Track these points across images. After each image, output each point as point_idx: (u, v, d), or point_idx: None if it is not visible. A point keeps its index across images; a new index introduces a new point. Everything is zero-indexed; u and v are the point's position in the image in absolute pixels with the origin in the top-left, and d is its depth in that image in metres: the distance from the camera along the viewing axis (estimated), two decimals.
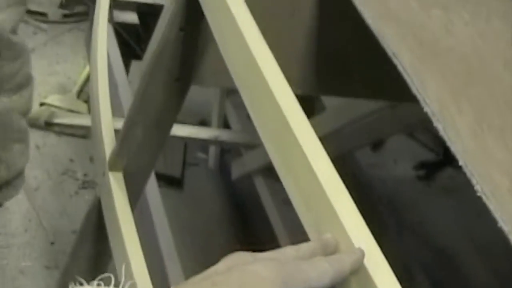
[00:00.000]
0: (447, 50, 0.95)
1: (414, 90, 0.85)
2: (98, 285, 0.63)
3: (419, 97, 0.84)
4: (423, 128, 3.23)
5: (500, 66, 0.96)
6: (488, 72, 0.95)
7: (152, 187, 2.18)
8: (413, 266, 2.19)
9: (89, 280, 0.71)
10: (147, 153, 1.18)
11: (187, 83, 1.12)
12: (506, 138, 0.83)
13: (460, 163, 0.77)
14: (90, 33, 1.96)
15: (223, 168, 2.83)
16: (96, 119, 1.34)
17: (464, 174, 0.76)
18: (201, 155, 2.95)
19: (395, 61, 0.89)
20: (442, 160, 3.18)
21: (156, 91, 1.11)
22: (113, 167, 1.18)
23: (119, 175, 1.18)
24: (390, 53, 0.90)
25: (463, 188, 3.02)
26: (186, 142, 2.89)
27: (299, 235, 0.76)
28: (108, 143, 1.26)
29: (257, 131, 0.82)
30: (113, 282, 0.66)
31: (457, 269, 2.73)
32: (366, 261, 0.65)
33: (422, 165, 3.17)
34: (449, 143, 0.78)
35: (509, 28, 1.06)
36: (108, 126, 1.31)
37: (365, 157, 3.11)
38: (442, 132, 0.80)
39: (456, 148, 0.78)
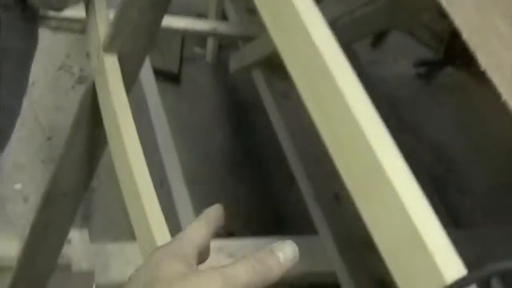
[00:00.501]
0: None
1: None
2: None
3: None
4: (423, 26, 3.19)
5: None
6: None
7: (149, 82, 2.16)
8: (412, 164, 2.18)
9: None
10: (142, 35, 1.15)
11: None
12: (511, 11, 0.81)
13: (464, 36, 0.74)
14: None
15: (220, 62, 2.81)
16: (90, 5, 1.31)
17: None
18: (198, 50, 2.92)
19: None
20: (442, 58, 3.15)
21: None
22: (107, 49, 1.15)
23: (114, 58, 1.15)
24: None
25: (463, 87, 3.02)
26: (184, 37, 2.86)
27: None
28: (103, 26, 1.23)
29: (258, 23, 0.79)
30: None
31: (455, 166, 2.73)
32: (373, 144, 0.62)
33: (422, 63, 3.14)
34: (452, 16, 0.76)
35: None
36: (103, 10, 1.27)
37: (365, 54, 3.08)
38: (445, 5, 0.77)
39: (459, 20, 0.75)
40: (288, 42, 0.73)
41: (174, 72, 2.79)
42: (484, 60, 0.72)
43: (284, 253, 0.66)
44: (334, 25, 1.94)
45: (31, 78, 2.54)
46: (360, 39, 2.48)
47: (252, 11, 2.36)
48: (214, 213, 0.74)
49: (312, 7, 0.73)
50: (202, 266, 0.66)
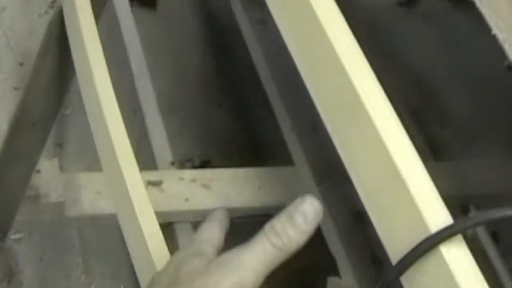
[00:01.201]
0: None
1: None
2: None
3: None
4: None
5: None
6: None
7: (123, 6, 2.10)
8: (391, 94, 2.15)
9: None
10: None
11: None
12: None
13: None
14: None
15: None
16: None
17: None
18: None
19: None
20: None
21: None
22: None
23: None
24: None
25: (444, 16, 2.97)
26: None
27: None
28: None
29: None
30: None
31: (435, 96, 2.71)
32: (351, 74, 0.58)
33: None
34: None
35: None
36: None
37: None
38: None
39: None
40: None
41: None
42: None
43: (304, 216, 0.63)
44: None
45: (2, 3, 2.49)
46: None
47: None
48: (223, 215, 0.75)
49: None
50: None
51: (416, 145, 1.83)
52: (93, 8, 1.10)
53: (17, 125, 1.36)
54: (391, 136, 0.55)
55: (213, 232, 0.71)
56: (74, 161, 2.11)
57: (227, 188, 1.36)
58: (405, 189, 0.51)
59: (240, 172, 1.43)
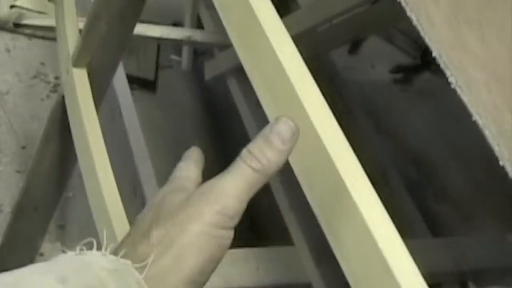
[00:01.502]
0: None
1: None
2: (81, 249, 0.60)
3: None
4: (400, 32, 3.20)
5: None
6: None
7: (123, 90, 2.15)
8: (388, 170, 2.18)
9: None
10: (111, 49, 1.14)
11: None
12: (483, 32, 0.80)
13: (434, 53, 0.73)
14: None
15: (196, 70, 2.80)
16: (59, 14, 1.30)
17: (441, 78, 0.73)
18: (174, 57, 2.91)
19: None
20: (419, 63, 3.16)
21: None
22: (76, 63, 1.14)
23: (83, 72, 1.14)
24: None
25: (440, 92, 3.02)
26: (159, 44, 2.85)
27: None
28: (72, 39, 1.21)
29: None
30: (95, 246, 0.62)
31: (433, 173, 2.73)
32: (335, 160, 0.60)
33: (399, 69, 3.15)
34: (422, 33, 0.75)
35: None
36: (72, 21, 1.26)
37: (342, 60, 3.08)
38: (415, 22, 0.76)
39: (429, 38, 0.74)
40: (252, 56, 0.72)
41: (150, 79, 2.78)
42: (453, 78, 0.71)
43: (280, 136, 0.62)
44: (313, 33, 1.94)
45: (5, 87, 2.54)
46: (340, 46, 2.48)
47: None
48: (197, 152, 0.74)
49: (277, 21, 0.71)
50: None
51: (414, 220, 1.85)
52: (93, 94, 1.13)
53: (20, 209, 1.39)
54: (377, 223, 0.57)
55: (190, 169, 0.70)
56: (76, 243, 2.12)
57: (227, 268, 1.37)
58: (392, 278, 0.53)
59: (239, 252, 1.44)
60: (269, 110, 0.69)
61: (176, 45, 2.83)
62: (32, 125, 2.47)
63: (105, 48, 1.13)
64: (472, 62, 0.74)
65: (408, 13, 0.77)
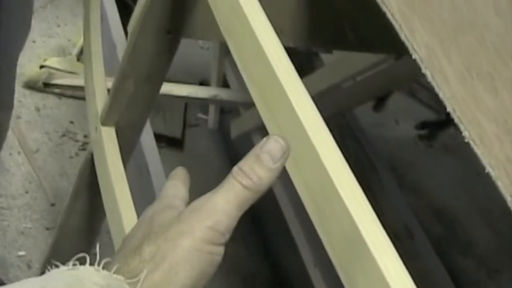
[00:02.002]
0: None
1: (402, 37, 0.84)
2: (74, 264, 0.61)
3: (407, 44, 0.83)
4: (424, 88, 3.22)
5: (492, 14, 0.95)
6: (479, 20, 0.93)
7: (151, 147, 2.18)
8: (412, 225, 2.19)
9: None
10: (139, 107, 1.17)
11: (178, 36, 1.11)
12: (495, 85, 0.82)
13: (448, 109, 0.76)
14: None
15: (222, 128, 2.83)
16: (88, 75, 1.34)
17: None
18: (201, 115, 2.95)
19: (383, 8, 0.87)
20: (443, 119, 3.17)
21: (147, 44, 1.10)
22: (105, 121, 1.18)
23: (111, 130, 1.17)
24: (378, 0, 0.89)
25: (465, 148, 3.02)
26: (187, 103, 2.90)
27: (297, 194, 0.75)
28: (101, 98, 1.25)
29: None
30: (88, 261, 0.62)
31: (458, 228, 2.73)
32: (356, 217, 0.62)
33: (423, 125, 3.16)
34: (437, 89, 0.77)
35: None
36: (101, 81, 1.30)
37: (366, 116, 3.11)
38: (430, 79, 0.79)
39: (444, 93, 0.77)
40: (274, 118, 0.74)
41: (178, 138, 2.81)
42: (467, 132, 0.73)
43: (271, 154, 0.63)
44: (338, 90, 1.98)
45: (35, 145, 2.59)
46: (364, 103, 2.51)
47: None
48: (184, 172, 0.77)
49: (296, 81, 0.74)
50: None
51: (439, 276, 1.84)
52: (121, 152, 1.16)
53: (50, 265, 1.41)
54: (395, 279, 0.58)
55: (178, 188, 0.72)
56: None
57: None
58: None
59: None
60: (289, 166, 0.71)
61: (203, 103, 2.87)
62: (61, 183, 2.51)
63: (133, 107, 1.17)
64: (485, 116, 0.76)
65: (423, 70, 0.80)
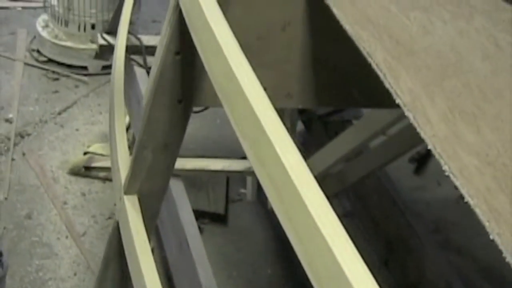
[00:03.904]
0: (424, 48, 0.99)
1: (387, 84, 0.89)
2: None
3: (391, 90, 0.88)
4: None
5: (477, 60, 0.99)
6: (464, 65, 0.98)
7: (190, 222, 2.23)
8: (455, 282, 2.20)
9: None
10: (158, 175, 1.23)
11: (190, 104, 1.17)
12: (478, 123, 0.86)
13: (429, 146, 0.80)
14: (127, 84, 2.03)
15: (261, 200, 2.87)
16: (113, 150, 1.40)
17: None
18: (242, 190, 3.00)
19: (369, 60, 0.93)
20: None
21: (160, 114, 1.17)
22: (127, 190, 1.24)
23: (134, 198, 1.23)
24: (364, 53, 0.94)
25: None
26: (228, 179, 2.95)
27: None
28: (124, 170, 1.31)
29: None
30: None
31: (507, 286, 2.71)
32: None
33: None
34: (418, 129, 0.81)
35: (491, 25, 1.09)
36: (124, 156, 1.36)
37: (408, 180, 3.14)
38: (412, 120, 0.83)
39: (425, 133, 0.81)
40: (264, 169, 0.79)
41: (221, 214, 2.86)
42: (447, 166, 0.77)
43: None
44: (367, 148, 2.02)
45: (82, 229, 2.66)
46: (397, 158, 2.54)
47: None
48: None
49: (281, 127, 0.79)
50: None
51: None
52: (144, 218, 1.21)
53: None
54: None
55: None
56: None
57: None
58: None
59: None
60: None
61: (240, 175, 2.92)
62: None
63: (153, 175, 1.23)
64: (466, 150, 0.80)
65: (406, 113, 0.84)
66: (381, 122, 1.82)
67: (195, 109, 1.56)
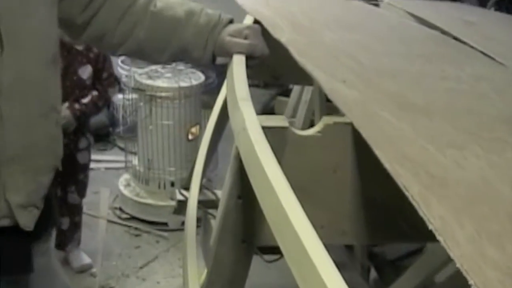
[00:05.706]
0: (456, 180, 1.09)
1: (420, 213, 0.99)
2: None
3: (424, 218, 0.98)
4: None
5: (507, 189, 1.09)
6: (493, 194, 1.08)
7: None
8: None
9: None
10: None
11: (252, 244, 1.30)
12: (503, 242, 0.96)
13: (457, 265, 0.89)
14: (204, 237, 2.13)
15: None
16: (185, 279, 1.52)
17: None
18: None
19: (406, 193, 1.04)
20: None
21: (225, 252, 1.29)
22: None
23: None
24: (402, 188, 1.05)
25: None
26: None
27: None
28: None
29: None
30: None
31: None
32: None
33: None
34: (448, 251, 0.91)
35: None
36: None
37: None
38: (442, 243, 0.93)
39: (454, 254, 0.91)
40: None
41: None
42: (472, 281, 0.87)
43: None
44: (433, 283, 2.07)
45: None
46: None
47: None
48: None
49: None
50: None
51: None
52: None
53: None
54: None
55: None
56: None
57: None
58: None
59: None
60: None
61: None
62: None
63: None
64: (491, 266, 0.90)
65: (437, 237, 0.94)
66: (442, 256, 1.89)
67: (268, 258, 1.65)
